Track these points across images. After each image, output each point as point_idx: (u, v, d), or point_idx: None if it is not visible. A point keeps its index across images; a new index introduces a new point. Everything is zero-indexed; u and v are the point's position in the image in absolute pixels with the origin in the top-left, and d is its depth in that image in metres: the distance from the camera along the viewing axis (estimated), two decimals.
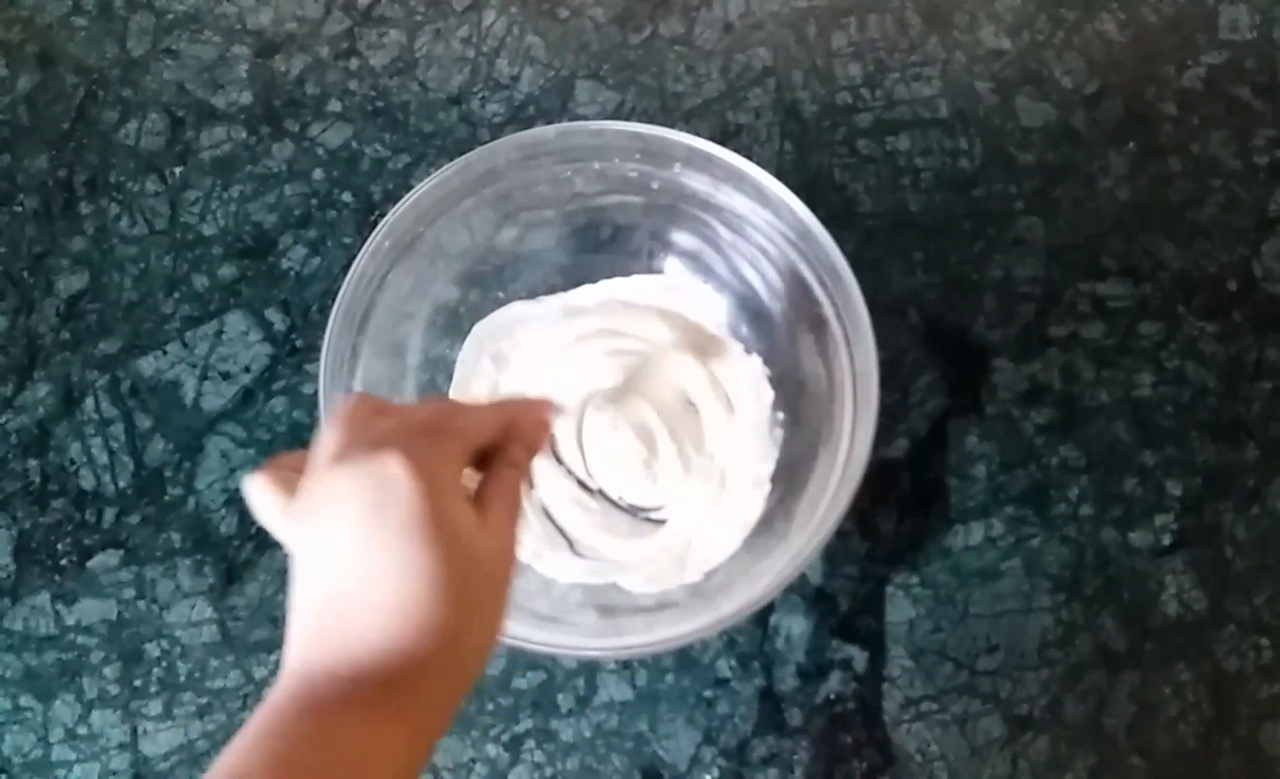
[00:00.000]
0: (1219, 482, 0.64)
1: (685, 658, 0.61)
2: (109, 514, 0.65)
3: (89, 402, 0.68)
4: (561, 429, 0.63)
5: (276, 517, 0.38)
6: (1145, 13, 0.77)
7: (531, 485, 0.63)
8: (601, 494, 0.62)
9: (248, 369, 0.68)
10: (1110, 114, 0.74)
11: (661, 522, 0.62)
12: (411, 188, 0.59)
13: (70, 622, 0.62)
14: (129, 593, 0.63)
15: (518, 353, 0.65)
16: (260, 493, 0.39)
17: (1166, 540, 0.63)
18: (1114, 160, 0.72)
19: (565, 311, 0.66)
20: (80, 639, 0.62)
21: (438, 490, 0.35)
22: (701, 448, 0.63)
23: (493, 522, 0.38)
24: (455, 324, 0.65)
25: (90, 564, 0.64)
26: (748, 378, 0.64)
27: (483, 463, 0.42)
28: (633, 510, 0.62)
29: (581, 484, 0.62)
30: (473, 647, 0.37)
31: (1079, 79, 0.75)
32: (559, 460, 0.63)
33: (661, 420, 0.63)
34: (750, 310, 0.64)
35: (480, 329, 0.66)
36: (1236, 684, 0.59)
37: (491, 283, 0.66)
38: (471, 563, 0.36)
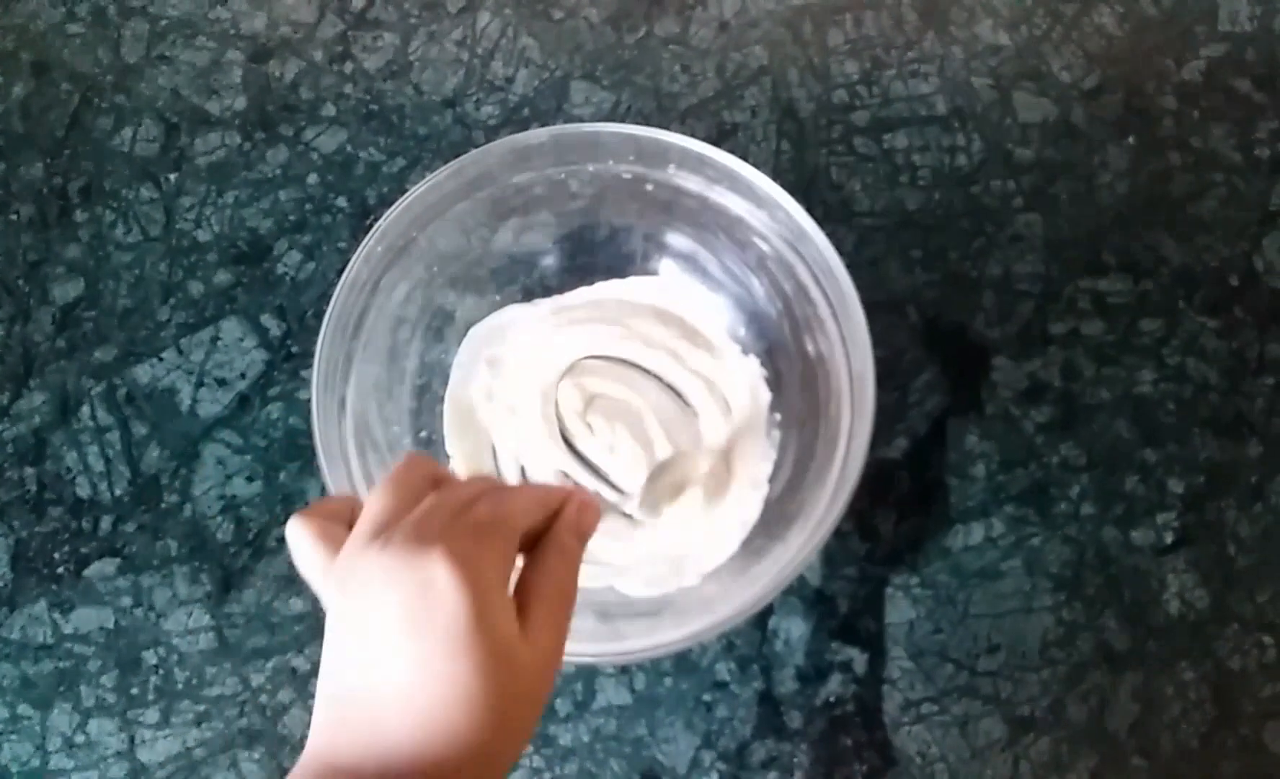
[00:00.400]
0: (1221, 479, 0.64)
1: (684, 661, 0.60)
2: (106, 522, 0.65)
3: (85, 409, 0.68)
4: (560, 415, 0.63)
5: (316, 574, 0.38)
6: (1144, 5, 0.77)
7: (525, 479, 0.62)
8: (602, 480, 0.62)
9: (243, 375, 0.68)
10: (1109, 108, 0.74)
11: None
12: (406, 192, 0.59)
13: (67, 630, 0.62)
14: (126, 601, 0.63)
15: (512, 356, 0.65)
16: (303, 544, 0.38)
17: (1168, 538, 0.62)
18: (1113, 155, 0.72)
19: (558, 312, 0.66)
20: (77, 648, 0.62)
21: (483, 599, 0.34)
22: (698, 449, 0.62)
23: (537, 628, 0.37)
24: (450, 328, 0.65)
25: (87, 572, 0.64)
26: (744, 379, 0.64)
27: (528, 547, 0.40)
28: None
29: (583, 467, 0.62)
30: (504, 757, 0.36)
31: (1078, 74, 0.75)
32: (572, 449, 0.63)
33: (658, 422, 0.63)
34: (747, 311, 0.64)
35: (476, 333, 0.65)
36: (1240, 683, 0.59)
37: (486, 286, 0.65)
38: (511, 678, 0.35)
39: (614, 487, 0.62)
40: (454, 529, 0.36)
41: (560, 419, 0.63)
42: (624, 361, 0.65)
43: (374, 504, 0.38)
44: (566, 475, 0.62)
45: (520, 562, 0.39)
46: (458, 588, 0.34)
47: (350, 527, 0.38)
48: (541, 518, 0.40)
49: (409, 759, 0.33)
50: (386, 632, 0.34)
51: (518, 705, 0.35)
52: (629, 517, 0.61)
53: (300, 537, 0.38)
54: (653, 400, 0.63)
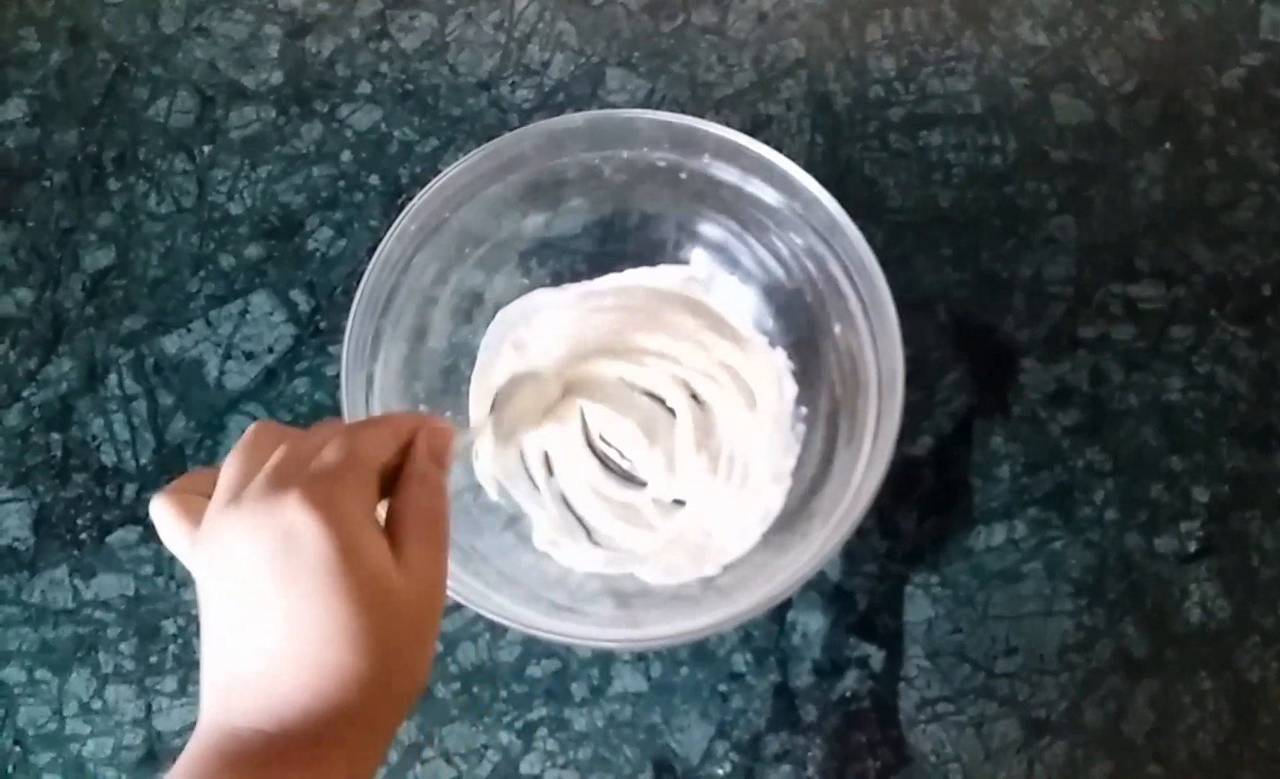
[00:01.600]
0: (1247, 489, 0.63)
1: (700, 651, 0.61)
2: (129, 490, 0.66)
3: (112, 378, 0.68)
4: (589, 412, 0.63)
5: (182, 545, 0.37)
6: (1185, 11, 0.77)
7: (551, 472, 0.63)
8: (623, 476, 0.62)
9: (271, 349, 0.69)
10: (1147, 113, 0.73)
11: (681, 503, 0.62)
12: (439, 172, 0.59)
13: (88, 596, 0.63)
14: (147, 569, 0.63)
15: (538, 339, 0.65)
16: (165, 518, 0.38)
17: (1192, 547, 0.62)
18: (1149, 160, 0.72)
19: (586, 297, 0.66)
20: (97, 614, 0.63)
21: (346, 534, 0.34)
22: (723, 441, 0.63)
23: (410, 556, 0.37)
24: (479, 309, 0.65)
25: (109, 539, 0.64)
26: (771, 372, 0.64)
27: (388, 485, 0.39)
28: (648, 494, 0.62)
29: (604, 465, 0.63)
30: (399, 691, 0.36)
31: (1116, 77, 0.75)
32: (589, 444, 0.63)
33: (683, 411, 0.63)
34: (776, 303, 0.64)
35: (504, 315, 0.66)
36: (1259, 695, 0.59)
37: (516, 269, 0.66)
38: (389, 607, 0.35)
39: (633, 475, 0.62)
40: (307, 474, 0.35)
41: (583, 413, 0.64)
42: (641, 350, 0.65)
43: (226, 471, 0.37)
44: (592, 453, 0.63)
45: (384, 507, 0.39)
46: (319, 527, 0.34)
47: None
48: (395, 449, 0.40)
49: (303, 708, 0.33)
50: (256, 587, 0.34)
51: (401, 634, 0.35)
52: (655, 502, 0.62)
53: (161, 512, 0.38)
54: (677, 389, 0.64)
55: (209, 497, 0.37)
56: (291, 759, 0.33)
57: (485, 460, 0.62)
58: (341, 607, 0.34)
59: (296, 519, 0.34)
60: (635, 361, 0.64)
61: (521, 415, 0.61)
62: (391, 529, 0.37)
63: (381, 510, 0.38)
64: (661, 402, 0.64)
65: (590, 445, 0.63)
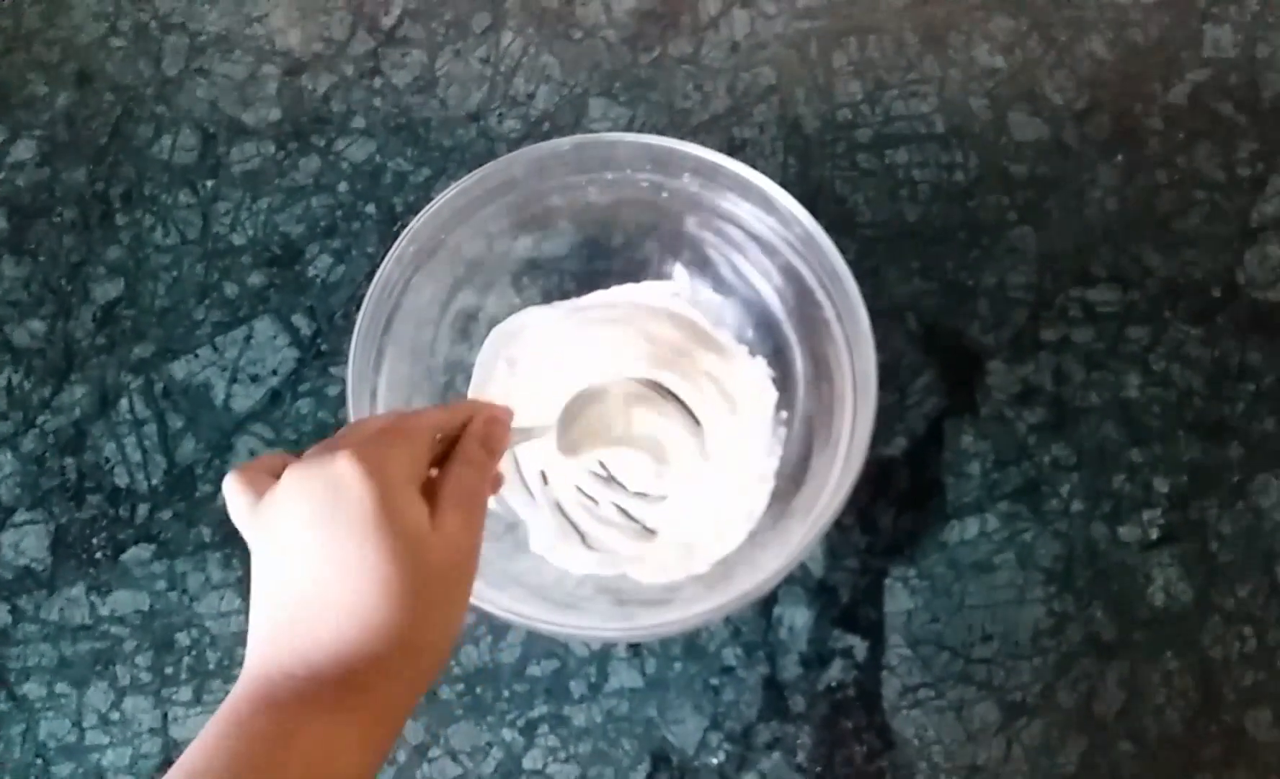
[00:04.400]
0: (1204, 479, 0.65)
1: (692, 647, 0.62)
2: (142, 510, 0.67)
3: (124, 403, 0.70)
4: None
5: (244, 516, 0.39)
6: (1133, 33, 0.79)
7: (546, 481, 0.65)
8: (613, 482, 0.64)
9: (275, 372, 0.71)
10: (1099, 129, 0.76)
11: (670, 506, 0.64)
12: (432, 199, 0.61)
13: (104, 612, 0.65)
14: (161, 584, 0.65)
15: (529, 356, 0.67)
16: (232, 493, 0.39)
17: (1154, 535, 0.64)
18: (1103, 173, 0.74)
19: (575, 314, 0.68)
20: (114, 629, 0.64)
21: (388, 490, 0.36)
22: (707, 446, 0.65)
23: (446, 519, 0.38)
24: (474, 328, 0.67)
25: (124, 557, 0.66)
26: (752, 379, 0.66)
27: (438, 463, 0.41)
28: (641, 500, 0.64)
29: (597, 482, 0.65)
30: (427, 645, 0.37)
31: (1069, 96, 0.77)
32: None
33: (669, 424, 0.65)
34: (755, 315, 0.66)
35: (497, 333, 0.68)
36: (1222, 672, 0.61)
37: (508, 288, 0.68)
38: (422, 562, 0.36)
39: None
40: (360, 437, 0.38)
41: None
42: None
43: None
44: (580, 488, 0.64)
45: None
46: (362, 479, 0.35)
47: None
48: (450, 426, 0.42)
49: (334, 653, 0.35)
50: (300, 535, 0.36)
51: (430, 591, 0.36)
52: (650, 531, 0.64)
53: (232, 486, 0.39)
54: (663, 403, 0.65)
55: (275, 475, 0.39)
56: (319, 703, 0.34)
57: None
58: (376, 555, 0.35)
59: (343, 470, 0.36)
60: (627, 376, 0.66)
61: (589, 435, 0.62)
62: (432, 497, 0.39)
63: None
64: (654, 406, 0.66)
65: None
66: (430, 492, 0.39)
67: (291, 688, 0.34)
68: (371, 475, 0.36)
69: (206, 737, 0.34)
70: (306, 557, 0.36)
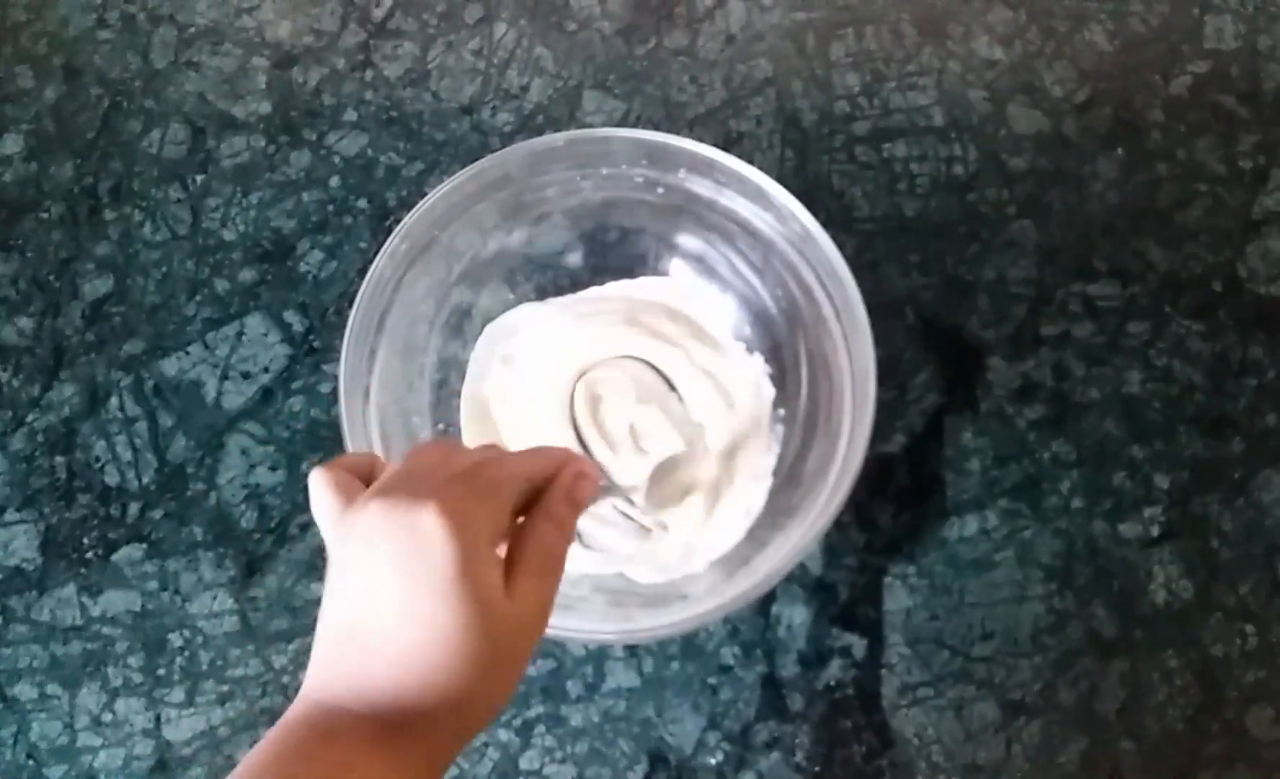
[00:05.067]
0: (1206, 475, 0.65)
1: (690, 646, 0.62)
2: (133, 509, 0.67)
3: (113, 401, 0.70)
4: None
5: (328, 521, 0.39)
6: (1133, 24, 0.79)
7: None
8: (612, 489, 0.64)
9: (267, 369, 0.70)
10: (1100, 121, 0.76)
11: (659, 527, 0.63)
12: (425, 194, 0.61)
13: (95, 612, 0.64)
14: (152, 585, 0.65)
15: (525, 353, 0.67)
16: (320, 492, 0.39)
17: (1155, 531, 0.64)
18: (1103, 166, 0.74)
19: (570, 310, 0.68)
20: (105, 629, 0.64)
21: (470, 552, 0.36)
22: (705, 444, 0.64)
23: (521, 588, 0.38)
24: (468, 324, 0.67)
25: (115, 557, 0.66)
26: (749, 376, 0.66)
27: (523, 512, 0.41)
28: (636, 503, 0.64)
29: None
30: (484, 706, 0.38)
31: (1069, 88, 0.77)
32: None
33: (666, 419, 0.65)
34: (753, 311, 0.66)
35: (491, 330, 0.67)
36: (1223, 670, 0.61)
37: (502, 285, 0.67)
38: (493, 631, 0.36)
39: (622, 490, 0.64)
40: (450, 485, 0.37)
41: (574, 422, 0.65)
42: (633, 359, 0.66)
43: (391, 467, 0.39)
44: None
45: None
46: (446, 537, 0.35)
47: (368, 484, 0.40)
48: (536, 485, 0.41)
49: (393, 698, 0.35)
50: (379, 574, 0.36)
51: (496, 658, 0.37)
52: (646, 529, 0.63)
53: (319, 485, 0.39)
54: (660, 403, 0.65)
55: (364, 479, 0.39)
56: (374, 742, 0.34)
57: None
58: (449, 615, 0.35)
59: (429, 523, 0.35)
60: (630, 363, 0.66)
61: (676, 492, 0.62)
62: (511, 555, 0.39)
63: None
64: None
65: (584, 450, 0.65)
66: (510, 542, 0.40)
67: (349, 722, 0.35)
68: (456, 536, 0.35)
69: (262, 754, 0.34)
70: (381, 598, 0.36)
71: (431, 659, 0.35)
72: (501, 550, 0.39)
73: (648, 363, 0.66)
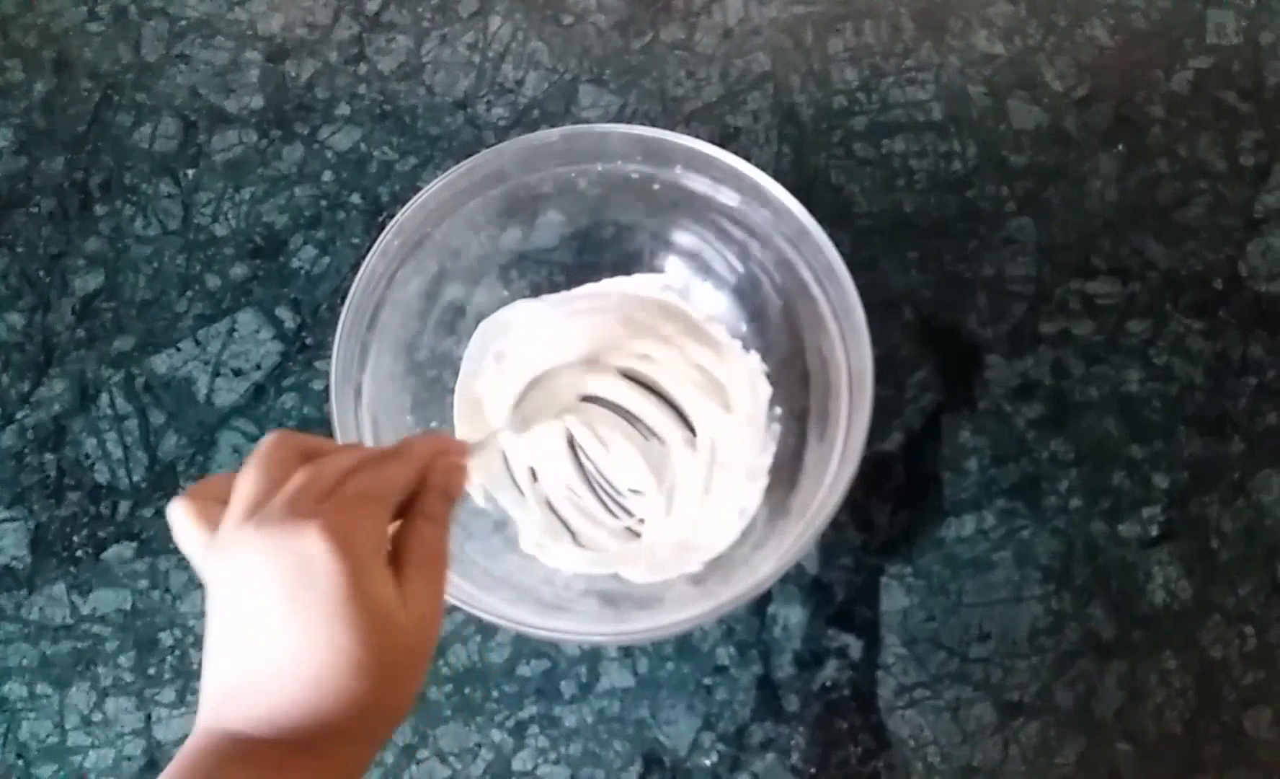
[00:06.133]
0: (1205, 475, 0.65)
1: (685, 646, 0.62)
2: (124, 507, 0.66)
3: (104, 398, 0.69)
4: (569, 423, 0.64)
5: (197, 552, 0.38)
6: (1134, 19, 0.79)
7: (536, 478, 0.64)
8: (602, 490, 0.64)
9: (259, 366, 0.70)
10: (1100, 117, 0.75)
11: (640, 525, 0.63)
12: (419, 189, 0.60)
13: (85, 611, 0.64)
14: (143, 583, 0.64)
15: (518, 351, 0.66)
16: (182, 522, 0.39)
17: (1154, 532, 0.64)
18: (1104, 162, 0.74)
19: (564, 307, 0.67)
20: (95, 628, 0.63)
21: (359, 569, 0.35)
22: (700, 442, 0.64)
23: (412, 590, 0.38)
24: (461, 321, 0.66)
25: (105, 556, 0.65)
26: (745, 374, 0.65)
27: (401, 512, 0.41)
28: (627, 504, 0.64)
29: (586, 481, 0.64)
30: (389, 713, 0.38)
31: (1069, 83, 0.77)
32: (575, 456, 0.64)
33: (662, 417, 0.64)
34: (749, 308, 0.66)
35: (485, 326, 0.67)
36: (1221, 671, 0.61)
37: (496, 281, 0.67)
38: (390, 639, 0.36)
39: (614, 491, 0.64)
40: (328, 503, 0.37)
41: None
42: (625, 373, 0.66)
43: (245, 482, 0.38)
44: (570, 488, 0.64)
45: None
46: (334, 560, 0.35)
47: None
48: (410, 484, 0.41)
49: (298, 721, 0.35)
50: (269, 608, 0.35)
51: (398, 665, 0.37)
52: (634, 532, 0.63)
53: (179, 517, 0.39)
54: (655, 396, 0.65)
55: (224, 502, 0.38)
56: (287, 765, 0.35)
57: (471, 466, 0.64)
58: (346, 635, 0.35)
59: (314, 548, 0.35)
60: (615, 375, 0.66)
61: (539, 409, 0.62)
62: (397, 559, 0.39)
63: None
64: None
65: (574, 453, 0.65)
66: (393, 544, 0.39)
67: (254, 749, 0.35)
68: (342, 554, 0.35)
69: None
70: (273, 627, 0.35)
71: (336, 680, 0.35)
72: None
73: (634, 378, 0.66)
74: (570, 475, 0.64)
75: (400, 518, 0.41)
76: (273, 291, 0.72)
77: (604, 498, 0.63)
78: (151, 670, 0.62)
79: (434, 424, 0.64)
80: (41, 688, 0.62)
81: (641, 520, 0.63)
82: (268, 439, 0.40)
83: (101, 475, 0.67)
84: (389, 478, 0.40)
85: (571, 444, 0.64)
